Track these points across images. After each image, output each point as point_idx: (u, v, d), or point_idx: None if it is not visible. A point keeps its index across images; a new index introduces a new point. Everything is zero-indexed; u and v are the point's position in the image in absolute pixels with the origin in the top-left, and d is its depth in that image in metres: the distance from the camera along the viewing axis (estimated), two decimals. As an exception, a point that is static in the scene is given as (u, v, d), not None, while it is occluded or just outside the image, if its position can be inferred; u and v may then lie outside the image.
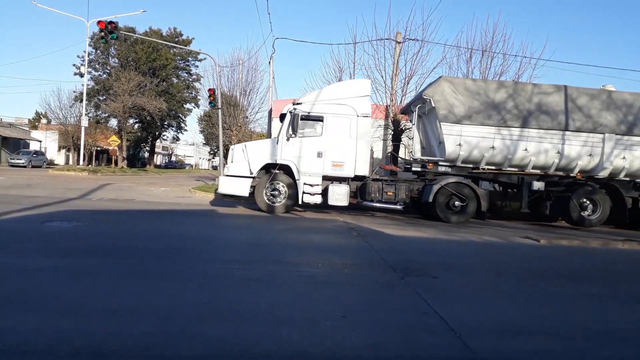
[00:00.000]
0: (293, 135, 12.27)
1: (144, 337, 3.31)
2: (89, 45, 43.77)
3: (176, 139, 68.99)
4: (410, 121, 13.73)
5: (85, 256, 5.91)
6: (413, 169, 13.69)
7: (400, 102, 19.08)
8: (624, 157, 12.97)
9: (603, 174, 13.12)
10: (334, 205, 12.45)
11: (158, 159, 79.58)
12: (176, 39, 52.20)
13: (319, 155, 12.35)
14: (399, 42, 18.94)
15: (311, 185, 12.38)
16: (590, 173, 13.26)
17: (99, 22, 19.64)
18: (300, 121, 12.26)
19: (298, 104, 12.62)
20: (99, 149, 52.21)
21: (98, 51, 49.26)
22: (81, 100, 38.72)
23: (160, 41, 42.70)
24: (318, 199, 12.42)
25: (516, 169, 13.20)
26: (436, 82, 13.02)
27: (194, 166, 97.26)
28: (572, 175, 13.26)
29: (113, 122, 51.23)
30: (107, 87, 46.52)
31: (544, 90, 13.06)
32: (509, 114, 12.71)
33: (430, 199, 12.54)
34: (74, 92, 47.30)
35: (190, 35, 55.49)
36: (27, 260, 5.43)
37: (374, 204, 12.76)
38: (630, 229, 13.60)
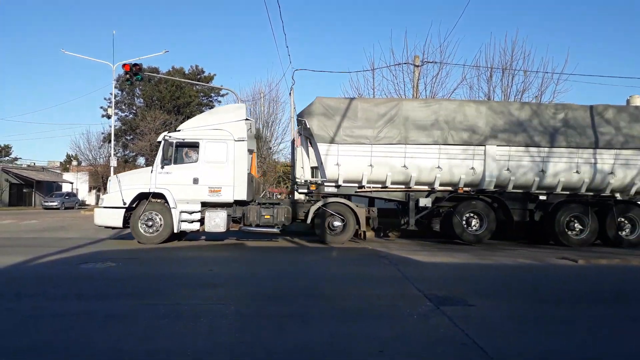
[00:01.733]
0: (167, 163, 11.99)
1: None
2: (115, 87, 45.27)
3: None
4: (299, 144, 13.47)
5: (119, 299, 5.97)
6: (300, 190, 13.34)
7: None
8: (507, 169, 12.67)
9: (489, 187, 12.74)
10: (212, 232, 12.18)
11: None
12: (198, 76, 53.61)
13: (195, 181, 12.02)
14: (417, 66, 19.03)
15: (190, 212, 12.06)
16: (477, 187, 12.89)
17: (124, 65, 20.45)
18: (175, 148, 12.11)
19: (178, 131, 12.57)
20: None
21: (124, 92, 50.95)
22: (109, 141, 39.87)
23: (183, 80, 43.93)
24: (196, 226, 12.17)
25: (402, 186, 12.95)
26: (312, 103, 12.88)
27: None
28: (442, 189, 12.90)
29: (141, 161, 52.47)
30: (133, 126, 47.88)
31: (415, 106, 13.01)
32: (383, 131, 12.53)
33: (309, 220, 12.54)
34: (102, 133, 48.83)
35: (212, 72, 56.69)
36: (64, 305, 5.51)
37: (252, 229, 12.41)
38: (536, 243, 13.28)
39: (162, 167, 12.03)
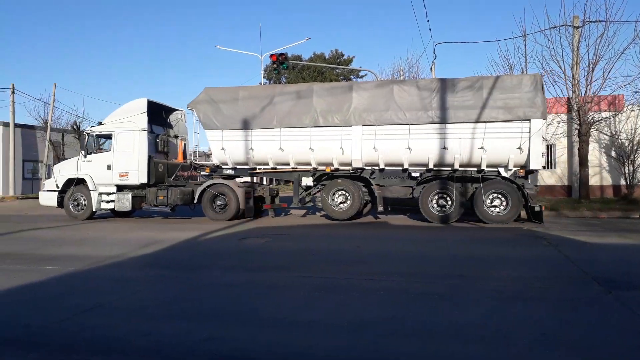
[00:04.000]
0: (89, 152, 14.18)
1: (336, 350, 3.45)
2: (263, 77, 48.55)
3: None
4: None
5: (278, 271, 6.45)
6: (202, 173, 14.80)
7: (585, 92, 16.99)
8: (374, 148, 12.44)
9: (358, 165, 12.76)
10: (120, 210, 13.94)
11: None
12: (338, 60, 54.74)
13: (109, 168, 13.95)
14: (577, 27, 16.94)
15: (107, 194, 14.08)
16: (350, 166, 12.92)
17: (271, 56, 21.84)
18: (95, 139, 14.26)
19: (101, 124, 14.38)
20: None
21: (271, 81, 54.34)
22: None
23: (324, 64, 45.29)
24: (112, 205, 14.01)
25: (288, 167, 13.47)
26: (199, 94, 13.90)
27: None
28: (322, 168, 13.19)
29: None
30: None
31: (287, 90, 13.90)
32: (260, 117, 13.22)
33: (196, 199, 13.73)
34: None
35: (350, 54, 57.38)
36: (232, 276, 6.15)
37: (150, 207, 14.11)
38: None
39: (85, 157, 14.28)
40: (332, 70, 51.60)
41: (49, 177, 20.05)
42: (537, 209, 11.88)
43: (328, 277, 5.95)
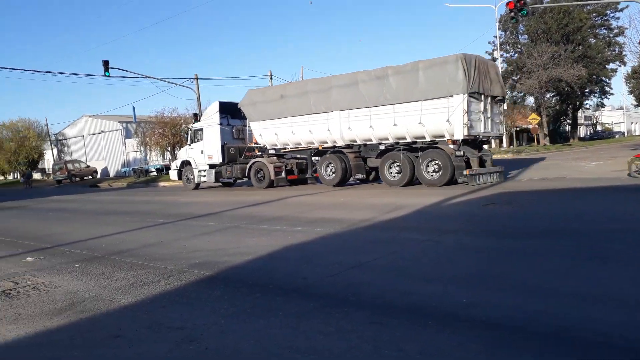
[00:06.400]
0: (191, 142, 20.06)
1: (620, 326, 3.00)
2: (498, 29, 44.96)
3: (600, 106, 61.90)
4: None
5: (532, 237, 5.99)
6: (258, 153, 18.28)
7: None
8: (349, 128, 15.20)
9: (340, 142, 15.77)
10: (208, 182, 19.70)
11: (581, 131, 73.49)
12: (589, -5, 46.71)
13: (202, 152, 19.47)
14: None
15: (203, 170, 19.54)
16: (335, 143, 15.95)
17: (507, 4, 20.05)
18: (194, 132, 20.06)
19: (199, 122, 20.69)
20: (518, 129, 52.81)
21: (507, 32, 49.94)
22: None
23: (572, 3, 39.23)
24: (204, 179, 19.66)
25: (304, 146, 16.89)
26: (244, 97, 18.16)
27: (625, 134, 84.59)
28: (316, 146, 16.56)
29: (530, 100, 50.86)
30: (519, 66, 46.53)
31: (291, 88, 17.80)
32: (277, 109, 17.03)
33: (247, 173, 18.31)
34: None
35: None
36: (483, 241, 5.98)
37: (223, 180, 19.70)
38: None
39: (190, 145, 20.27)
40: (581, 8, 44.44)
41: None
42: (459, 179, 13.19)
43: (585, 246, 5.24)
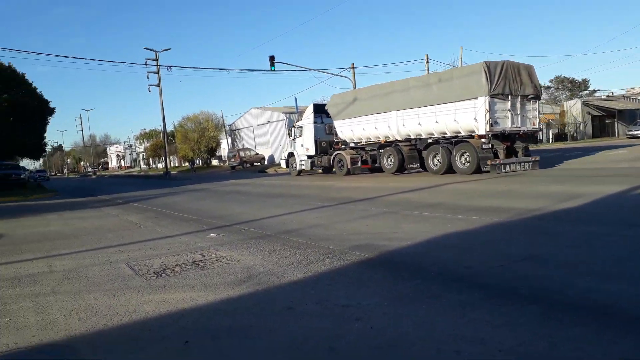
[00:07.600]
0: (294, 137, 24.89)
1: None
2: None
3: None
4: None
5: None
6: (342, 147, 22.32)
7: None
8: (404, 125, 18.44)
9: (396, 137, 19.16)
10: (306, 170, 24.87)
11: None
12: None
13: (302, 146, 24.32)
14: None
15: (303, 160, 24.49)
16: (395, 138, 19.31)
17: None
18: (297, 129, 24.87)
19: (300, 120, 25.90)
20: None
21: None
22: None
23: None
24: (303, 167, 24.68)
25: (374, 140, 20.48)
26: (329, 100, 22.82)
27: None
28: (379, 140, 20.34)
29: None
30: None
31: (363, 91, 21.44)
32: (350, 109, 20.92)
33: (331, 162, 22.43)
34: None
35: None
36: None
37: (315, 169, 24.79)
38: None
39: (293, 140, 24.95)
40: None
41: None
42: (483, 169, 15.33)
43: None
